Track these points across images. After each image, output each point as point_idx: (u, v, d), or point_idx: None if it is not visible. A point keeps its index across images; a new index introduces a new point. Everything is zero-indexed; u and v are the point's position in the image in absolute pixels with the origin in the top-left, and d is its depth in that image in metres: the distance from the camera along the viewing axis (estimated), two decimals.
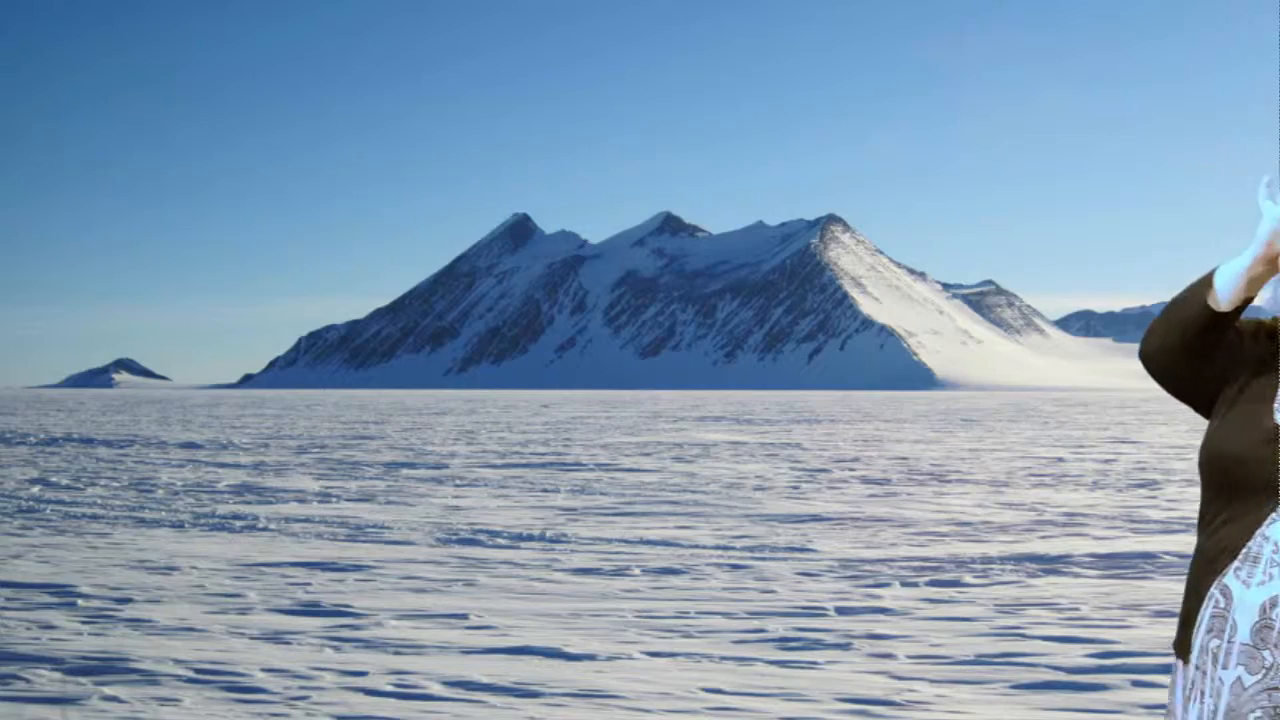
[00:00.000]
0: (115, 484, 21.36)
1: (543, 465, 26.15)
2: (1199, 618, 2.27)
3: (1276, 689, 2.16)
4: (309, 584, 10.74)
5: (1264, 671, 2.17)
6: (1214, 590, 2.25)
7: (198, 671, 7.44)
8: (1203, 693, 2.25)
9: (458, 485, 21.27)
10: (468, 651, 8.12)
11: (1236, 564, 2.23)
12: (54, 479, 22.21)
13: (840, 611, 9.33)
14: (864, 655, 7.87)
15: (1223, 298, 2.26)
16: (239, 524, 15.38)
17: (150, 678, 7.30)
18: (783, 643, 8.28)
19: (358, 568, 11.64)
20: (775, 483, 21.58)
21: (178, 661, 7.69)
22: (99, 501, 18.22)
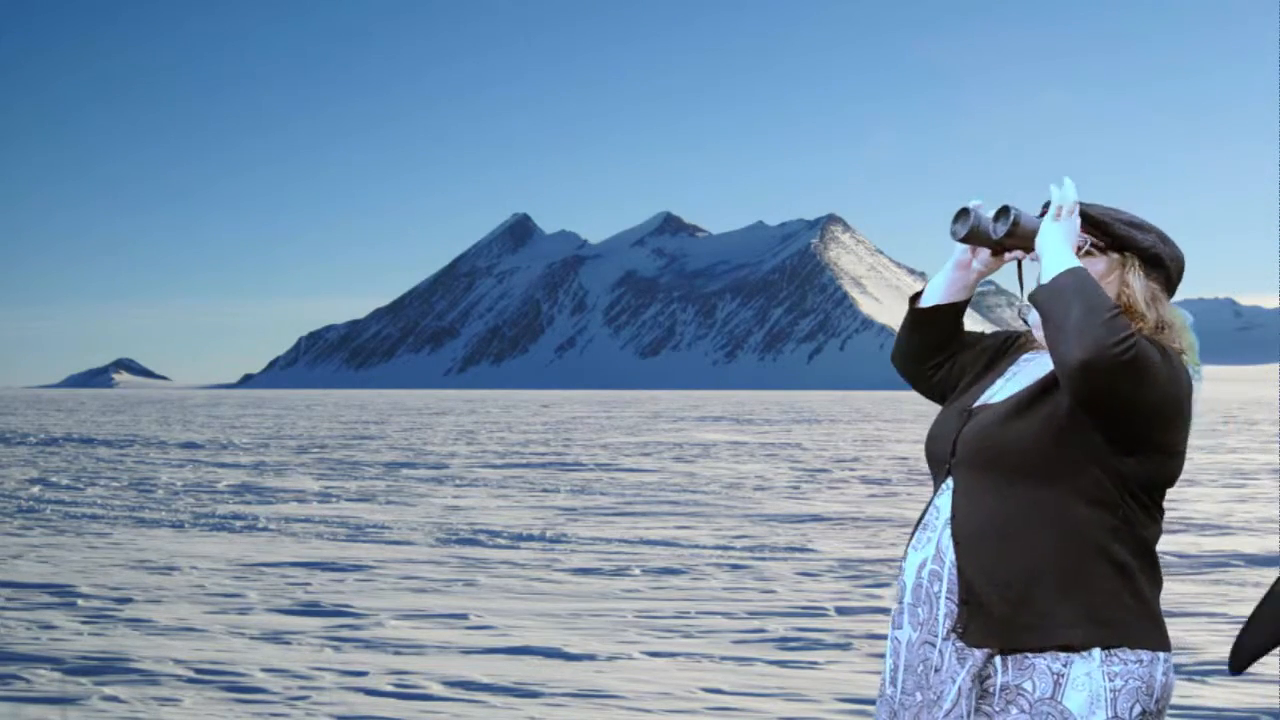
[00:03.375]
0: (115, 484, 21.35)
1: (543, 465, 26.15)
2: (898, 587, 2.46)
3: (928, 642, 2.32)
4: (309, 584, 10.74)
5: (920, 627, 2.34)
6: (902, 561, 2.44)
7: (198, 671, 7.44)
8: (889, 652, 2.43)
9: (458, 485, 21.26)
10: (468, 651, 8.12)
11: (916, 533, 2.42)
12: (54, 479, 22.21)
13: (840, 611, 9.33)
14: (864, 655, 7.87)
15: (925, 299, 2.53)
16: (239, 524, 15.38)
17: (150, 678, 7.30)
18: (783, 643, 8.28)
19: (358, 568, 11.64)
20: (775, 483, 21.59)
21: (178, 661, 7.69)
22: (99, 501, 18.21)
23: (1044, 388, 2.32)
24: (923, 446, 2.53)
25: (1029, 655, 2.24)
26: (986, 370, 2.52)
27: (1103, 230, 2.40)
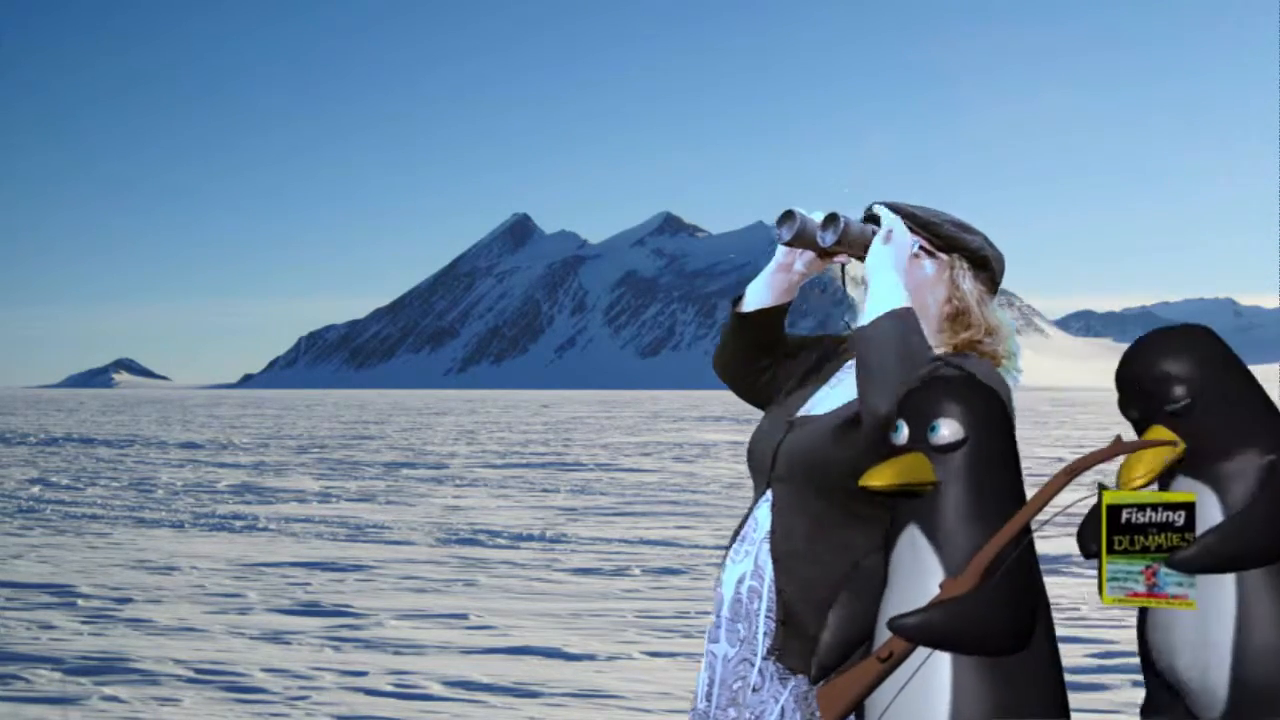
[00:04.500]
0: (115, 484, 21.35)
1: (543, 465, 26.15)
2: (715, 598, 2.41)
3: (746, 660, 2.28)
4: (309, 584, 10.73)
5: (740, 643, 2.29)
6: (720, 572, 2.39)
7: (198, 671, 7.44)
8: (706, 665, 2.37)
9: (458, 485, 21.26)
10: (468, 651, 8.11)
11: (735, 544, 2.36)
12: (54, 479, 22.21)
13: None
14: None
15: (746, 303, 2.47)
16: (239, 524, 15.38)
17: (150, 678, 7.30)
18: None
19: (358, 568, 11.64)
20: None
21: (178, 661, 7.68)
22: (99, 501, 18.21)
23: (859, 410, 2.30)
24: None
25: None
26: (810, 375, 2.48)
27: (931, 232, 2.37)
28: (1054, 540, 12.69)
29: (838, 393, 2.39)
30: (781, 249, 2.43)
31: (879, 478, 2.22)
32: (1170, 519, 2.21)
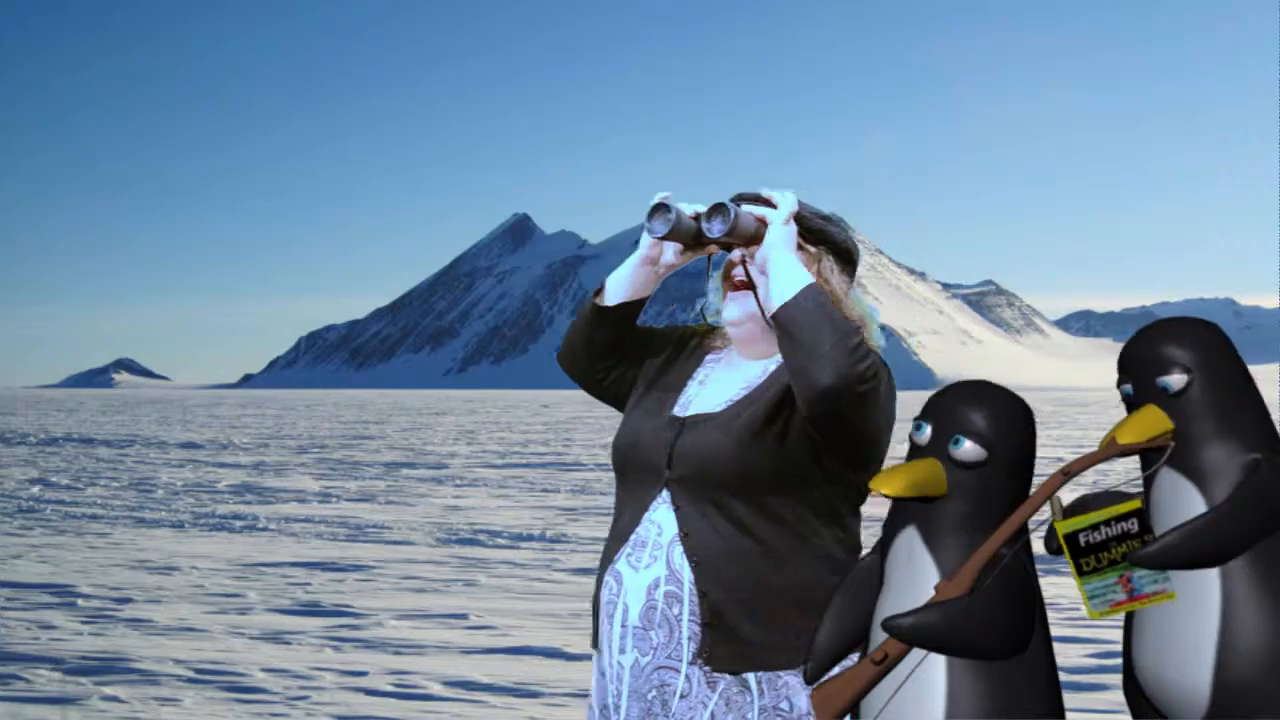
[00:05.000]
0: (115, 484, 21.35)
1: (543, 465, 26.15)
2: (601, 604, 2.34)
3: (664, 667, 2.24)
4: (309, 584, 10.74)
5: (654, 651, 2.24)
6: (608, 576, 2.32)
7: (198, 671, 7.44)
8: (607, 679, 2.31)
9: (458, 485, 21.27)
10: (468, 651, 8.12)
11: (628, 549, 2.29)
12: (54, 479, 22.21)
13: None
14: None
15: (609, 296, 2.41)
16: (239, 524, 15.38)
17: (150, 678, 7.30)
18: None
19: (358, 568, 11.65)
20: None
21: (178, 661, 7.69)
22: (99, 501, 18.22)
23: (776, 404, 2.26)
24: None
25: (782, 674, 2.24)
26: (668, 369, 2.43)
27: (801, 225, 2.34)
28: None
29: (713, 389, 2.36)
30: (647, 240, 2.38)
31: (891, 485, 2.22)
32: (1125, 529, 2.26)
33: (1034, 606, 2.35)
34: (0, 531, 14.43)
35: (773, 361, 2.35)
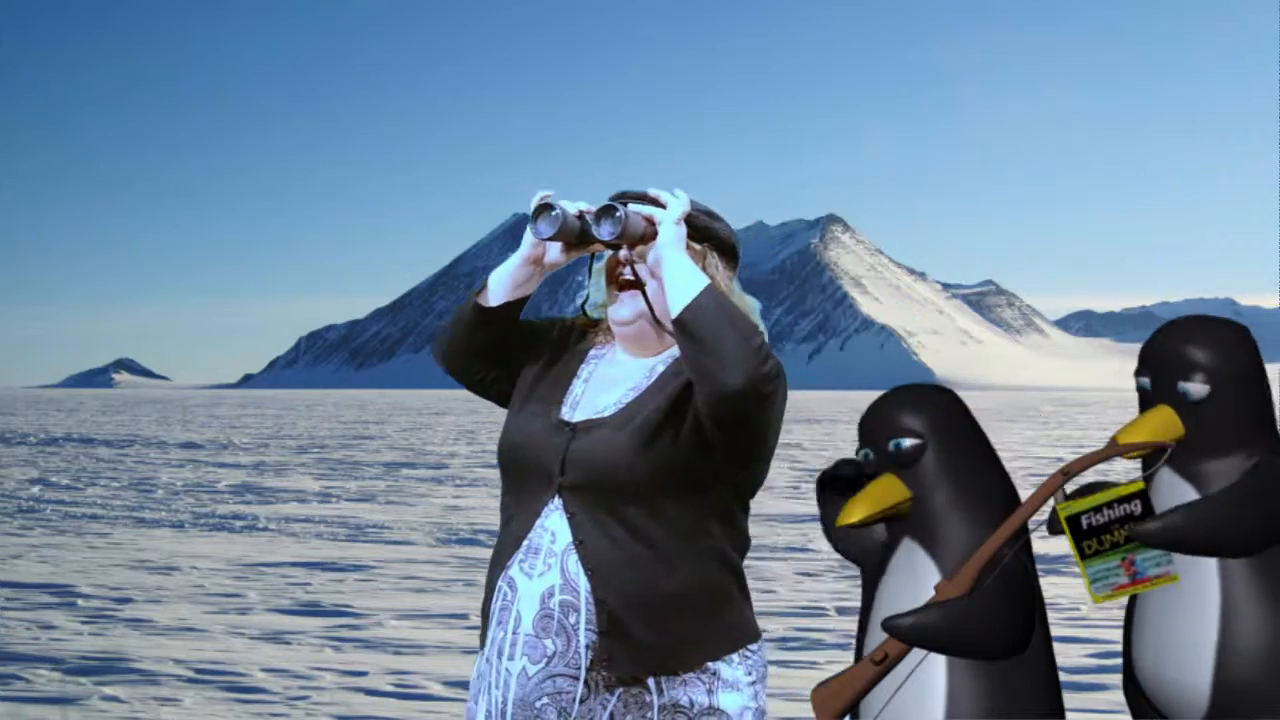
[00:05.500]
0: (115, 484, 21.36)
1: None
2: (491, 610, 2.33)
3: (558, 675, 2.23)
4: (309, 584, 10.74)
5: (546, 660, 2.24)
6: (501, 583, 2.31)
7: (198, 671, 7.44)
8: (491, 685, 2.30)
9: (458, 485, 21.27)
10: (468, 651, 8.12)
11: (520, 555, 2.29)
12: (54, 479, 22.21)
13: (840, 611, 9.33)
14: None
15: (491, 296, 2.38)
16: (239, 524, 15.38)
17: (150, 678, 7.30)
18: (782, 643, 8.28)
19: (358, 568, 11.65)
20: (775, 482, 21.57)
21: (178, 661, 7.69)
22: (99, 501, 18.22)
23: (667, 407, 2.25)
24: None
25: (680, 673, 2.25)
26: (550, 366, 2.42)
27: (687, 224, 2.32)
28: (1051, 541, 12.75)
29: (598, 390, 2.35)
30: (529, 240, 2.37)
31: (856, 513, 2.23)
32: (1128, 510, 2.25)
33: (1034, 606, 2.35)
34: (0, 531, 14.43)
35: (659, 360, 2.34)
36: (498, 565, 2.33)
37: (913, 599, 2.23)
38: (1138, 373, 2.38)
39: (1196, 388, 2.28)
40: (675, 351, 2.31)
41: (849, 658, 2.51)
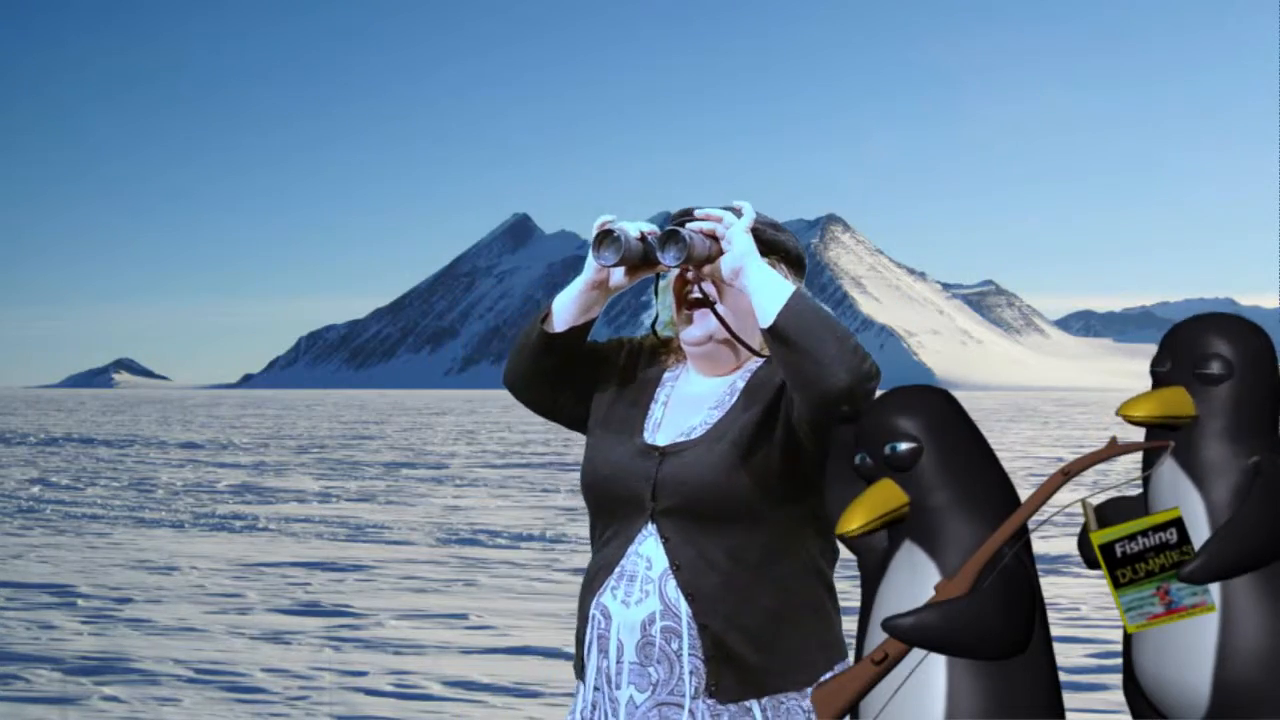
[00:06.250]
0: (115, 484, 21.36)
1: (543, 465, 26.15)
2: (587, 638, 2.29)
3: (665, 704, 2.21)
4: (309, 584, 10.74)
5: (652, 688, 2.21)
6: (594, 610, 2.27)
7: (198, 671, 7.44)
8: (605, 713, 2.27)
9: (458, 485, 21.27)
10: (468, 651, 8.12)
11: (613, 582, 2.25)
12: (54, 479, 22.22)
13: (840, 612, 9.33)
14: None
15: (557, 322, 2.35)
16: (239, 524, 15.39)
17: (150, 678, 7.30)
18: None
19: (358, 568, 11.65)
20: None
21: (178, 661, 7.69)
22: (99, 501, 18.22)
23: (756, 423, 2.24)
24: None
25: (782, 696, 2.23)
26: (624, 389, 2.39)
27: (755, 236, 2.28)
28: (1052, 540, 12.77)
29: (680, 411, 2.32)
30: (593, 265, 2.33)
31: (854, 521, 2.23)
32: (1164, 539, 2.24)
33: (1034, 606, 2.35)
34: (0, 531, 14.43)
35: (738, 377, 2.32)
36: (589, 592, 2.30)
37: (913, 599, 2.23)
38: (1156, 363, 2.39)
39: (1213, 371, 2.30)
40: (753, 366, 2.30)
41: (850, 658, 2.50)
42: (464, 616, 9.25)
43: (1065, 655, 7.71)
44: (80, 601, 9.79)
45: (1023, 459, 28.24)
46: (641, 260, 2.28)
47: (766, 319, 2.15)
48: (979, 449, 2.39)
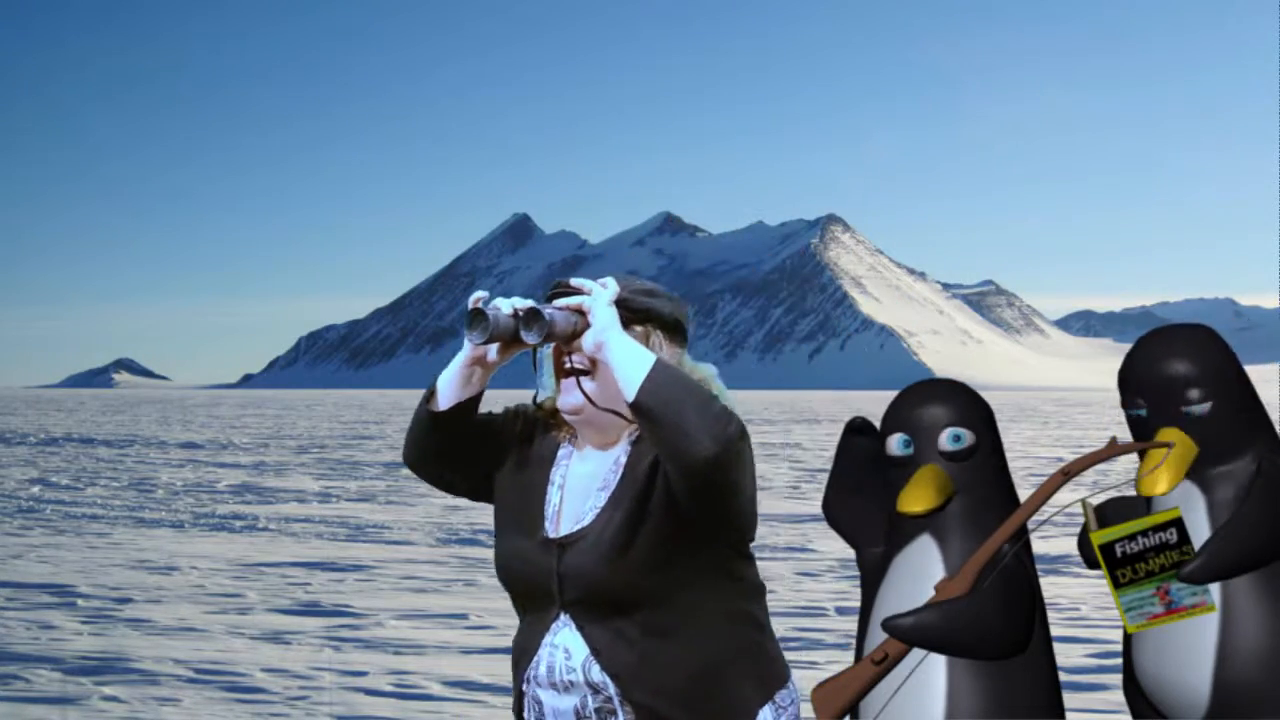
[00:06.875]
0: (115, 484, 21.35)
1: None
2: (526, 717, 2.33)
3: None
4: (309, 584, 10.74)
5: None
6: (528, 698, 2.31)
7: (198, 671, 7.44)
8: None
9: None
10: (468, 651, 8.12)
11: (542, 671, 2.29)
12: (54, 479, 22.21)
13: (840, 611, 9.33)
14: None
15: (441, 400, 2.35)
16: (239, 524, 15.38)
17: (150, 678, 7.30)
18: (783, 643, 8.24)
19: (358, 568, 11.65)
20: (775, 483, 21.59)
21: (178, 661, 7.69)
22: (99, 501, 18.22)
23: (638, 501, 2.25)
24: None
25: None
26: (523, 469, 2.40)
27: (622, 306, 2.29)
28: (1052, 540, 12.75)
29: (574, 494, 2.34)
30: (469, 344, 2.33)
31: (919, 503, 2.22)
32: (1164, 539, 2.24)
33: (1034, 606, 2.35)
34: (0, 531, 14.43)
35: (620, 450, 2.33)
36: (519, 671, 2.34)
37: (918, 598, 2.23)
38: (1127, 404, 2.38)
39: (1199, 407, 2.29)
40: (635, 433, 2.31)
41: (849, 658, 2.50)
42: (464, 616, 9.25)
43: (1065, 655, 7.70)
44: (80, 601, 9.79)
45: (1023, 459, 28.23)
46: (512, 337, 2.28)
47: (628, 394, 2.15)
48: (1003, 455, 2.40)
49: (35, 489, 20.25)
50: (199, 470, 24.81)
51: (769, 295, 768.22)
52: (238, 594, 10.20)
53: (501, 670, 7.59)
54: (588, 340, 2.22)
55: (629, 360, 2.17)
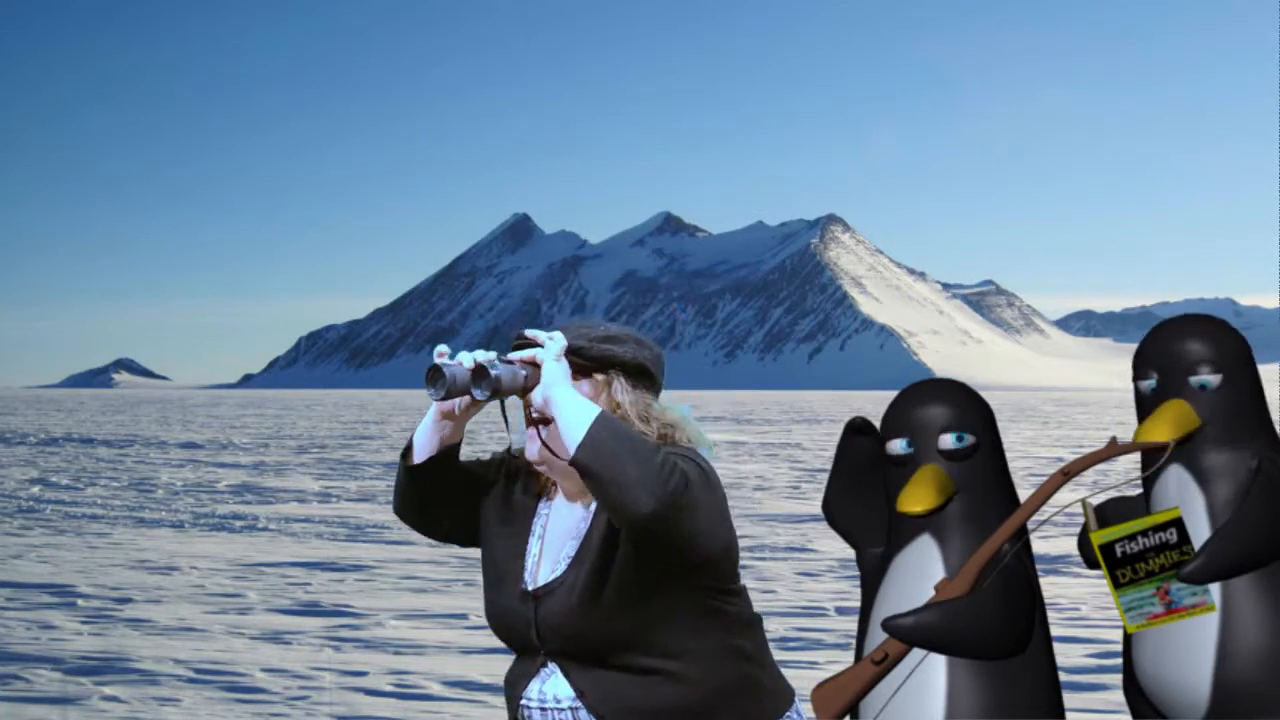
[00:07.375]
0: (115, 484, 21.35)
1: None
2: None
3: None
4: (309, 584, 10.74)
5: None
6: None
7: (198, 671, 7.44)
8: None
9: None
10: (468, 651, 8.12)
11: (533, 714, 2.31)
12: (54, 479, 22.21)
13: (840, 611, 9.33)
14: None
15: (417, 454, 2.39)
16: (239, 524, 15.39)
17: (150, 678, 7.30)
18: (783, 643, 8.28)
19: (358, 568, 11.65)
20: (775, 483, 21.58)
21: (178, 661, 7.69)
22: (99, 501, 18.22)
23: (603, 554, 2.26)
24: None
25: None
26: (506, 519, 2.41)
27: (578, 354, 2.30)
28: (1052, 540, 12.75)
29: (551, 544, 2.35)
30: (435, 405, 2.36)
31: (920, 503, 2.22)
32: (1164, 539, 2.23)
33: (1034, 606, 2.35)
34: (0, 531, 14.43)
35: (591, 500, 2.33)
36: (513, 703, 2.36)
37: (918, 598, 2.23)
38: (1139, 376, 2.38)
39: (1210, 378, 2.29)
40: None
41: (849, 658, 2.49)
42: (464, 616, 9.25)
43: (1065, 655, 7.70)
44: (80, 601, 9.79)
45: (1023, 459, 28.23)
46: (467, 393, 2.28)
47: (569, 451, 2.15)
48: (1003, 456, 2.40)
49: (35, 489, 20.25)
50: (199, 470, 24.81)
51: (769, 295, 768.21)
52: (238, 594, 10.20)
53: (502, 670, 7.59)
54: (536, 395, 2.23)
55: (570, 416, 2.17)
